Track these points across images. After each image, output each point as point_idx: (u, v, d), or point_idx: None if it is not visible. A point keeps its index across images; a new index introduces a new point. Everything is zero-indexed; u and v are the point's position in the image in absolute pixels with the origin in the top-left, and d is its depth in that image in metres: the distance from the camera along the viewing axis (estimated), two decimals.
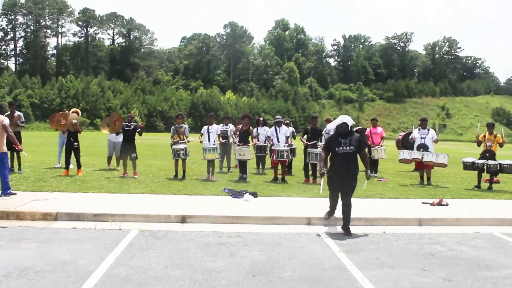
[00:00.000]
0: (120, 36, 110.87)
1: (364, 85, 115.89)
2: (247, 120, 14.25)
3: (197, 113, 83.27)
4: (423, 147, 14.11)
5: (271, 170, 16.46)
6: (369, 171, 8.70)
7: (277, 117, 15.09)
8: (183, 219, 8.54)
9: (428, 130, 14.43)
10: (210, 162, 13.80)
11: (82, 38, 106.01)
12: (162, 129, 75.44)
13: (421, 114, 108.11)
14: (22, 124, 13.82)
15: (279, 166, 14.11)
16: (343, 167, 8.23)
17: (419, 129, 14.60)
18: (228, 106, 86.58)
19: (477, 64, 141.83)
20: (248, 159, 13.78)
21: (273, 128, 14.41)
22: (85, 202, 9.51)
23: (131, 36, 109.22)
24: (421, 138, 14.28)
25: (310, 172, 14.05)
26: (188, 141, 13.90)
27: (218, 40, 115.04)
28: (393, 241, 7.87)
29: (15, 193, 10.01)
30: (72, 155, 13.78)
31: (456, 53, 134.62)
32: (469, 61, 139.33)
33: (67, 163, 13.79)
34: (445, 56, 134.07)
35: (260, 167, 16.25)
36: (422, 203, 10.83)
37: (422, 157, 13.89)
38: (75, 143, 13.68)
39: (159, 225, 8.23)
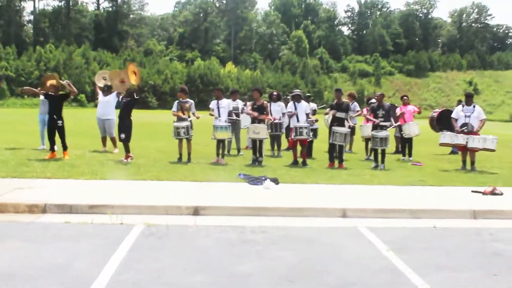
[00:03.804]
0: (106, 0, 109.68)
1: (381, 57, 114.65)
2: (257, 93, 13.69)
3: (194, 88, 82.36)
4: (468, 127, 13.58)
5: (287, 152, 16.05)
6: None
7: (295, 90, 14.50)
8: (196, 211, 8.02)
9: (474, 107, 13.88)
10: (221, 143, 13.30)
11: (62, 2, 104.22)
12: (154, 105, 74.70)
13: (446, 90, 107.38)
14: None
15: (299, 148, 13.63)
16: None
17: (463, 105, 14.06)
18: (229, 80, 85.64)
19: (510, 34, 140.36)
20: (264, 138, 13.27)
21: (291, 103, 13.89)
22: (78, 190, 8.98)
23: (119, 0, 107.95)
24: (465, 116, 13.73)
25: (336, 155, 13.53)
26: (198, 117, 13.40)
27: (217, 5, 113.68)
28: (447, 238, 7.40)
29: None
30: (57, 136, 13.25)
31: (486, 21, 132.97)
32: (501, 30, 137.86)
33: (52, 144, 13.27)
34: (473, 25, 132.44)
35: (275, 148, 15.75)
36: (472, 191, 10.30)
37: (467, 142, 13.36)
38: (59, 121, 13.11)
39: (168, 218, 7.69)
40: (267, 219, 7.97)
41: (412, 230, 7.76)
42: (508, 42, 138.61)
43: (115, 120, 14.67)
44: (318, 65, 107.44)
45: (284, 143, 16.39)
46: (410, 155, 15.78)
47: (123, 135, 13.01)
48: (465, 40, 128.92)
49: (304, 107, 13.68)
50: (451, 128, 14.57)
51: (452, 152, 18.00)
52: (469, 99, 14.01)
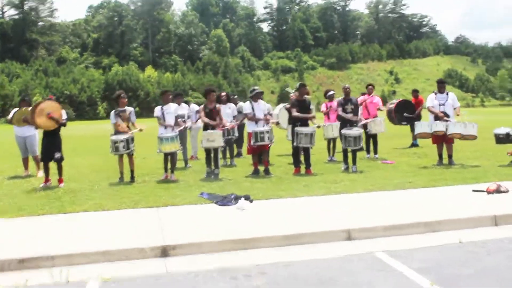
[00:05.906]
0: (11, 7, 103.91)
1: (302, 51, 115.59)
2: (213, 95, 11.74)
3: (113, 95, 79.46)
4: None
5: (239, 159, 14.50)
6: None
7: (255, 88, 12.86)
8: (165, 252, 6.12)
9: (447, 94, 12.68)
10: (168, 156, 11.36)
11: None
12: (72, 116, 71.02)
13: (368, 80, 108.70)
14: None
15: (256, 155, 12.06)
16: None
17: (435, 94, 12.81)
18: (149, 85, 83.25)
19: (424, 23, 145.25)
20: (220, 146, 11.42)
21: (247, 103, 12.25)
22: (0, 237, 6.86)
23: (25, 7, 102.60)
24: (439, 104, 12.51)
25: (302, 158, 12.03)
26: (141, 130, 11.37)
27: (132, 8, 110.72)
28: (484, 256, 6.05)
29: None
30: None
31: (402, 11, 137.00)
32: (415, 19, 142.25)
33: None
34: (389, 15, 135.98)
35: (228, 156, 14.02)
36: (473, 191, 9.01)
37: (447, 129, 12.10)
38: None
39: (129, 266, 5.78)
40: (257, 253, 6.24)
41: (437, 249, 6.32)
42: (423, 31, 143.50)
43: (38, 136, 12.50)
44: (240, 63, 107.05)
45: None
46: (375, 152, 14.53)
47: (58, 154, 10.82)
48: (383, 30, 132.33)
49: (263, 106, 12.09)
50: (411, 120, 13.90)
51: (413, 145, 16.98)
52: (441, 86, 12.79)
